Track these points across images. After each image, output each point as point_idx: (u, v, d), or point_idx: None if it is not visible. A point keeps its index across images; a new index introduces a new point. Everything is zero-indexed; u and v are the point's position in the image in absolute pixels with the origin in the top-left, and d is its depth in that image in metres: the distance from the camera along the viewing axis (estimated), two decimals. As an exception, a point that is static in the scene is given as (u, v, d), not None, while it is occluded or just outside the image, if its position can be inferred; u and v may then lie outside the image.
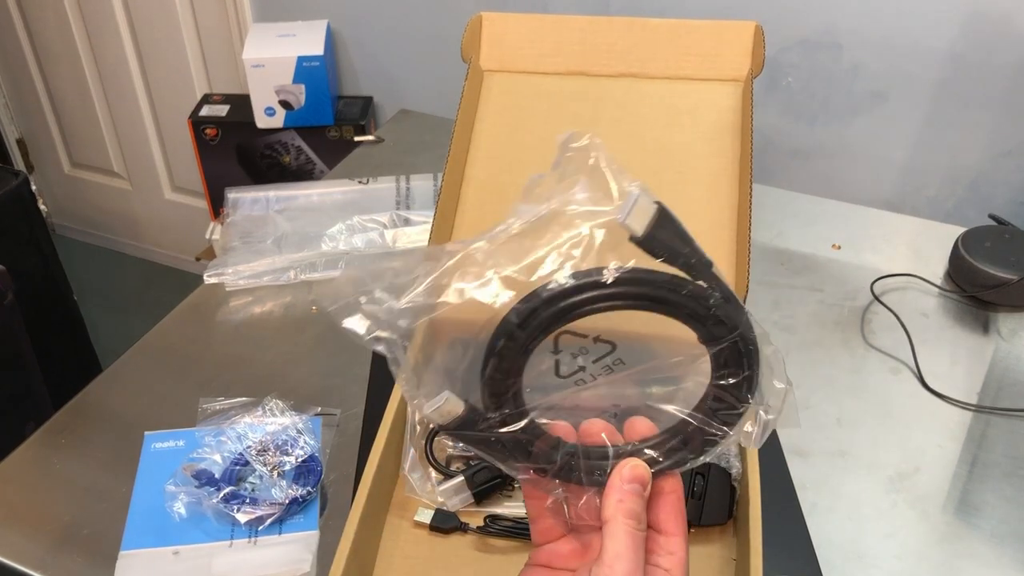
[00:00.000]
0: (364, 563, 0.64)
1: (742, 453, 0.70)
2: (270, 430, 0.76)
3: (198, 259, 1.61)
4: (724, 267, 0.80)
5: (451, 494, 0.67)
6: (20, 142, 2.23)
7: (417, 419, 0.72)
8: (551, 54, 0.89)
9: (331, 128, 1.55)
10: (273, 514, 0.69)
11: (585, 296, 0.41)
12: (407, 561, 0.67)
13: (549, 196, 0.45)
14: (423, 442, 0.71)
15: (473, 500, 0.68)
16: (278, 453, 0.73)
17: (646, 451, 0.44)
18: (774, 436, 0.78)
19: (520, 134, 0.87)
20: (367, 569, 0.65)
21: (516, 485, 0.70)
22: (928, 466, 0.77)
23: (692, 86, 0.87)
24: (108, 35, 1.88)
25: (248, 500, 0.68)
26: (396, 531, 0.68)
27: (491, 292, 0.42)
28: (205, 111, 1.64)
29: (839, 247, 1.05)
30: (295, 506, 0.71)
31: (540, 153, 0.87)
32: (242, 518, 0.68)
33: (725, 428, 0.44)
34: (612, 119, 0.87)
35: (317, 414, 0.77)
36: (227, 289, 0.99)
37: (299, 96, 1.51)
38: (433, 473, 0.70)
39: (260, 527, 0.69)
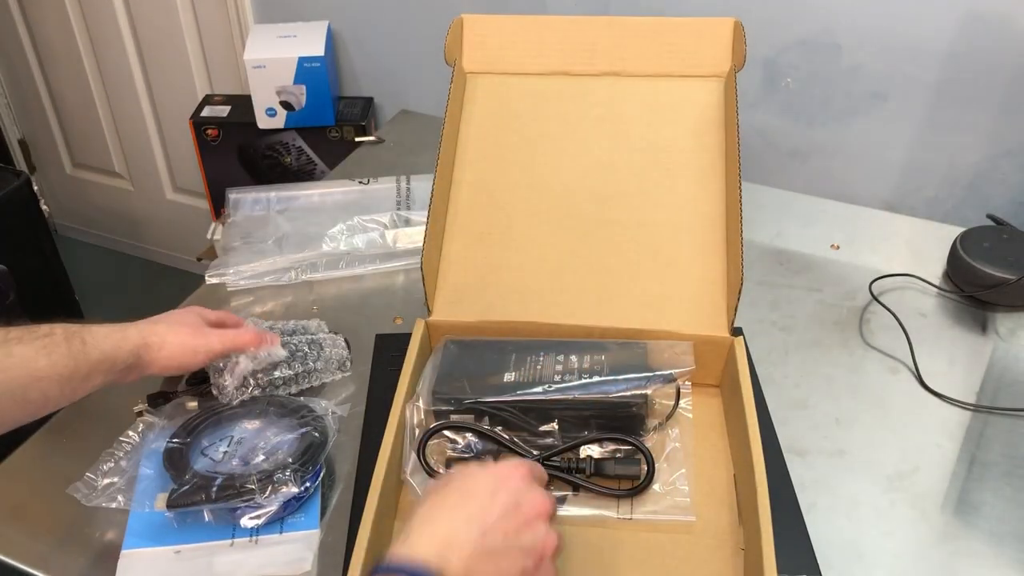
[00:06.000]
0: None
1: (741, 442, 0.71)
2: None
3: (199, 259, 1.61)
4: (715, 262, 0.80)
5: None
6: (22, 143, 2.24)
7: (415, 423, 0.72)
8: (533, 55, 0.90)
9: (332, 129, 1.55)
10: (273, 512, 0.69)
11: None
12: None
13: None
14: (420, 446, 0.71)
15: None
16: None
17: None
18: (773, 436, 0.78)
19: (506, 135, 0.88)
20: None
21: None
22: (927, 465, 0.78)
23: (674, 83, 0.88)
24: (109, 36, 1.89)
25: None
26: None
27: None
28: (206, 112, 1.64)
29: (838, 247, 1.06)
30: (295, 505, 0.71)
31: (526, 154, 0.87)
32: (243, 518, 0.69)
33: None
34: (596, 118, 0.88)
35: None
36: (228, 289, 0.99)
37: (300, 97, 1.51)
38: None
39: (261, 526, 0.69)
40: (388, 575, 0.50)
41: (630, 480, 0.70)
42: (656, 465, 0.70)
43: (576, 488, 0.70)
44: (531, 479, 0.59)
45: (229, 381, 0.77)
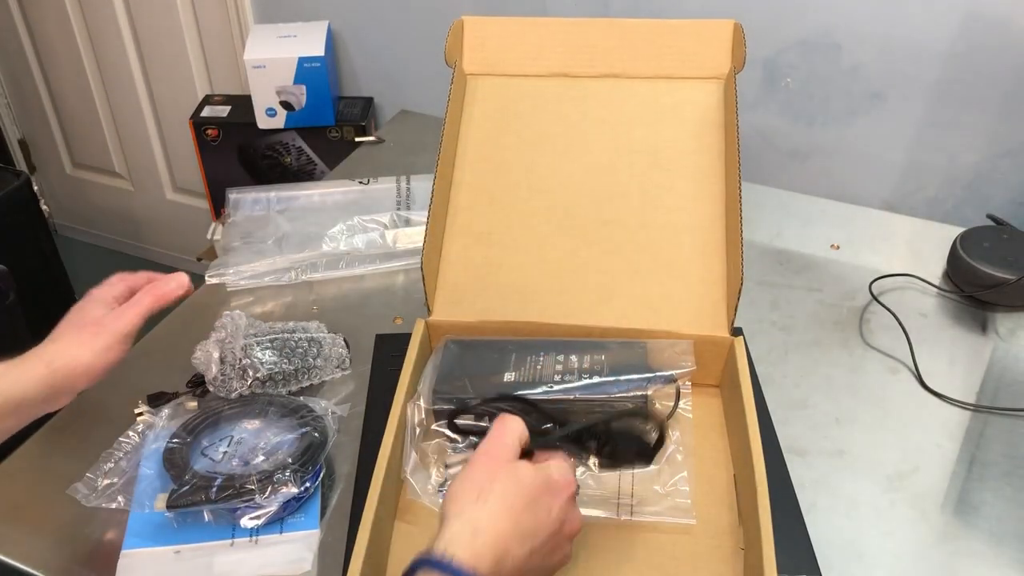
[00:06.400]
0: (377, 570, 0.65)
1: (741, 442, 0.71)
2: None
3: (199, 259, 1.61)
4: (715, 262, 0.80)
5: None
6: (22, 143, 2.24)
7: (416, 421, 0.72)
8: (534, 56, 0.90)
9: (332, 129, 1.55)
10: (273, 512, 0.69)
11: None
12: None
13: None
14: (426, 442, 0.71)
15: None
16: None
17: None
18: (773, 435, 0.78)
19: (506, 136, 0.88)
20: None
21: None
22: (927, 465, 0.78)
23: (675, 84, 0.88)
24: (109, 36, 1.89)
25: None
26: (405, 536, 0.69)
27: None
28: (206, 112, 1.64)
29: (838, 247, 1.06)
30: (295, 505, 0.71)
31: (526, 155, 0.87)
32: (242, 518, 0.69)
33: None
34: (597, 119, 0.88)
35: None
36: (228, 289, 0.99)
37: (300, 97, 1.51)
38: (433, 475, 0.70)
39: (260, 526, 0.69)
40: (438, 572, 0.50)
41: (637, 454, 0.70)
42: (657, 465, 0.70)
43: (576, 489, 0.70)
44: (574, 494, 0.60)
45: (216, 370, 0.78)
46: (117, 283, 0.73)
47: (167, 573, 0.67)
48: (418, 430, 0.71)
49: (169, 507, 0.68)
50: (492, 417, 0.72)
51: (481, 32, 0.90)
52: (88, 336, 0.67)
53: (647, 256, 0.81)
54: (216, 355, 0.79)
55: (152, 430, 0.77)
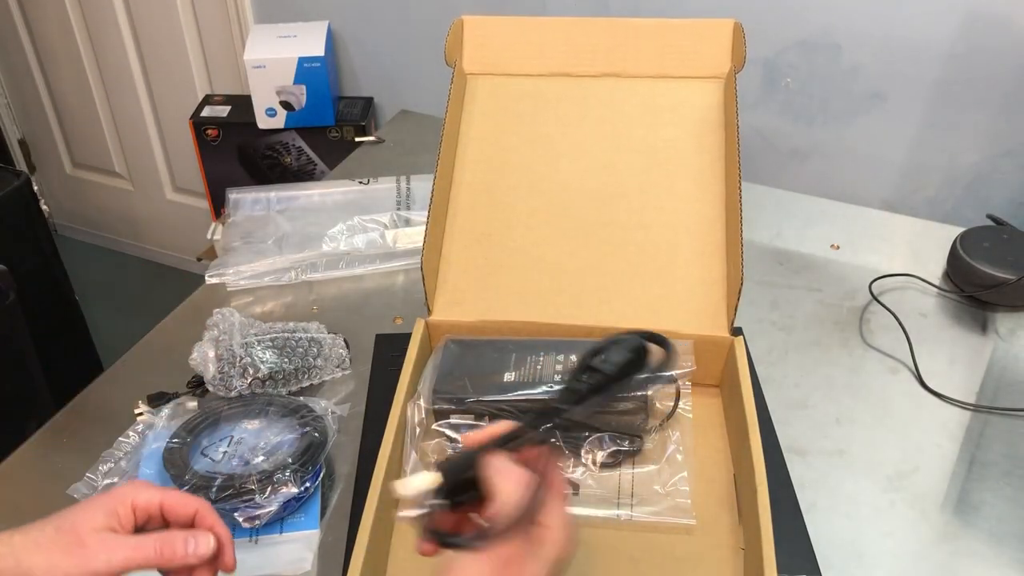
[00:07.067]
0: (377, 570, 0.65)
1: (741, 442, 0.71)
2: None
3: (199, 259, 1.61)
4: (715, 262, 0.80)
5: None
6: (22, 143, 2.24)
7: (416, 421, 0.72)
8: (534, 56, 0.90)
9: (332, 129, 1.55)
10: (273, 512, 0.69)
11: None
12: (418, 566, 0.67)
13: None
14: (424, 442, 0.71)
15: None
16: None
17: None
18: (773, 435, 0.78)
19: (506, 136, 0.88)
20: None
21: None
22: (926, 465, 0.78)
23: (675, 84, 0.88)
24: (110, 36, 1.89)
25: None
26: (406, 536, 0.68)
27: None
28: (206, 112, 1.64)
29: (838, 247, 1.06)
30: (295, 505, 0.71)
31: (526, 155, 0.88)
32: (242, 518, 0.69)
33: None
34: (597, 119, 0.88)
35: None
36: (228, 289, 0.99)
37: (300, 97, 1.51)
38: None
39: (260, 526, 0.69)
40: None
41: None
42: (658, 465, 0.70)
43: (576, 488, 0.70)
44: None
45: (213, 369, 0.78)
46: (148, 497, 0.55)
47: (167, 573, 0.67)
48: (418, 430, 0.71)
49: None
50: (493, 418, 0.72)
51: (481, 32, 0.90)
52: (63, 549, 0.52)
53: (647, 256, 0.81)
54: (212, 353, 0.79)
55: (152, 430, 0.77)
